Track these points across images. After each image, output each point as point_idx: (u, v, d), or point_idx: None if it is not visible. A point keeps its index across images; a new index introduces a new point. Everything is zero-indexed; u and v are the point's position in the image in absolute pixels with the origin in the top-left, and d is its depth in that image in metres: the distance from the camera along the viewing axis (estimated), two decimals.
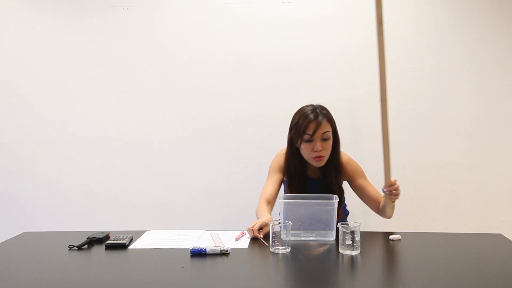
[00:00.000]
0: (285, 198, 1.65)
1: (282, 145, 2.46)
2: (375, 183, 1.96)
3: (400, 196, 2.47)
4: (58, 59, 2.56)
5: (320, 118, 1.74)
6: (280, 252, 1.45)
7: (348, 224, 1.43)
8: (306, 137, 1.73)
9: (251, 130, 2.53)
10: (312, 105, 1.81)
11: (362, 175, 1.91)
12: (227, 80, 2.53)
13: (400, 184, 2.48)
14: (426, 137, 2.48)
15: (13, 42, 2.56)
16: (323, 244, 1.57)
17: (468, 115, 2.47)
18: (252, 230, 1.58)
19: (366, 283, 1.25)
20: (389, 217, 1.80)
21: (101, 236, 1.60)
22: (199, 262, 1.38)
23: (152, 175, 2.58)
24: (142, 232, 1.73)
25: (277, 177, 1.87)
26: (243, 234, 1.66)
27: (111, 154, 2.58)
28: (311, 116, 1.74)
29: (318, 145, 1.73)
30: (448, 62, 2.46)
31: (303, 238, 1.61)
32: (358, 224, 1.44)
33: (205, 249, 1.42)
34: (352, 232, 1.41)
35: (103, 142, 2.58)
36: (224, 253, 1.43)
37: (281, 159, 1.89)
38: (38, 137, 2.59)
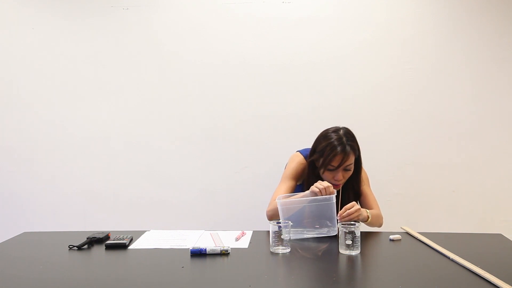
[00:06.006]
0: (284, 198, 1.65)
1: (282, 144, 2.49)
2: (372, 183, 1.97)
3: (401, 196, 2.50)
4: (58, 59, 2.56)
5: (347, 150, 1.70)
6: (280, 252, 1.45)
7: (348, 224, 1.43)
8: (330, 167, 1.72)
9: (251, 130, 2.53)
10: (337, 132, 1.75)
11: (366, 182, 1.92)
12: (227, 80, 2.53)
13: (400, 184, 2.52)
14: (426, 137, 2.48)
15: (13, 42, 2.56)
16: (323, 244, 1.57)
17: (468, 115, 2.47)
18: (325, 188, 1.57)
19: (366, 283, 1.25)
20: (379, 227, 1.83)
21: (101, 236, 1.61)
22: (199, 262, 1.38)
23: (152, 175, 2.58)
24: (142, 232, 1.73)
25: (291, 184, 1.85)
26: (243, 234, 1.66)
27: (111, 154, 2.58)
28: (338, 149, 1.69)
29: (339, 175, 1.73)
30: (448, 62, 2.46)
31: (306, 236, 1.61)
32: (358, 224, 1.44)
33: (205, 249, 1.42)
34: (352, 232, 1.41)
35: (103, 142, 2.58)
36: (224, 253, 1.43)
37: (299, 168, 1.86)
38: (38, 137, 2.59)
